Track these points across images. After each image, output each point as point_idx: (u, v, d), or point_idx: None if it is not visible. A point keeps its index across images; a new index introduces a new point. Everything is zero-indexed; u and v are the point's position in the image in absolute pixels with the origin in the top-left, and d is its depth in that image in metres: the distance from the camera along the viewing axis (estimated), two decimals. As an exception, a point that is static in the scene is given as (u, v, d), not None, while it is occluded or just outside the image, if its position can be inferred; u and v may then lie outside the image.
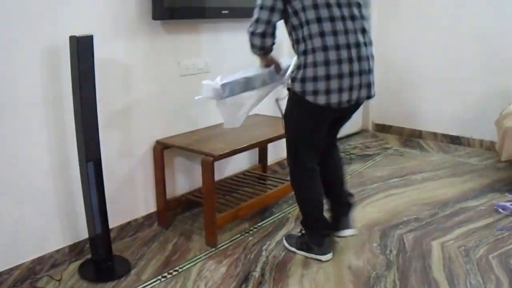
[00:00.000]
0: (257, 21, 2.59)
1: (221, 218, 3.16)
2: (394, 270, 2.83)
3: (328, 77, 2.49)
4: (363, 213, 3.58)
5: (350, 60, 2.52)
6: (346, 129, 5.22)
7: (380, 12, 5.73)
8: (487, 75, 5.02)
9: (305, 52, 2.53)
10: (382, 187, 4.15)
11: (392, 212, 3.60)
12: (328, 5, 2.49)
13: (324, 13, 2.48)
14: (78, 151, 2.67)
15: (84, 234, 2.91)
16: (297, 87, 2.56)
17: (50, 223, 2.85)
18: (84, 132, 2.57)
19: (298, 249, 3.03)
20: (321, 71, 2.49)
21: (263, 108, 4.05)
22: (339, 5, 2.51)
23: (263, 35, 2.60)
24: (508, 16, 4.81)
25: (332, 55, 2.48)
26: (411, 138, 5.72)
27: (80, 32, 2.49)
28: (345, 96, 2.56)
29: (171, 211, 3.50)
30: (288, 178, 4.09)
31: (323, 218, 2.98)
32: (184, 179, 3.61)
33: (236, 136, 3.36)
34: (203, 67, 3.58)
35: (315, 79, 2.50)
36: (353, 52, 2.54)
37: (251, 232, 3.34)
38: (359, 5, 2.59)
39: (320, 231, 2.96)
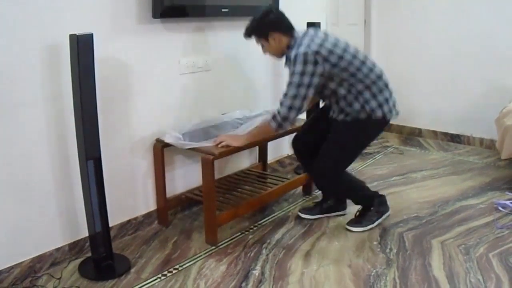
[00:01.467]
0: (294, 97, 2.90)
1: (221, 216, 3.15)
2: (394, 268, 2.83)
3: (387, 100, 3.08)
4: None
5: (386, 86, 3.11)
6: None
7: (380, 11, 5.73)
8: (487, 73, 5.02)
9: (367, 87, 3.01)
10: (382, 185, 4.15)
11: (392, 210, 3.58)
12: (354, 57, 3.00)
13: (357, 61, 2.99)
14: (78, 149, 2.67)
15: (84, 232, 2.91)
16: (378, 112, 3.05)
17: (50, 221, 2.85)
18: (84, 130, 2.57)
19: (373, 223, 3.34)
20: (385, 95, 3.08)
21: (264, 106, 4.06)
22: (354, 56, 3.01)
23: (299, 109, 2.94)
24: (508, 15, 4.81)
25: (382, 83, 3.09)
26: (411, 136, 5.72)
27: (80, 30, 2.49)
28: (394, 111, 3.15)
29: (171, 210, 3.50)
30: (289, 176, 4.10)
31: (367, 189, 3.43)
32: (184, 177, 3.61)
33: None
34: (203, 65, 3.57)
35: (386, 100, 3.08)
36: (385, 79, 3.13)
37: (251, 230, 3.34)
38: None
39: (378, 195, 3.43)
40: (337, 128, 3.14)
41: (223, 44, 3.73)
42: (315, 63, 2.85)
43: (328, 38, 2.98)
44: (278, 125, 2.98)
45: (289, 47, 3.03)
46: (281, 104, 2.93)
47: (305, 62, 2.84)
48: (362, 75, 2.97)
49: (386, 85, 3.08)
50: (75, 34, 2.44)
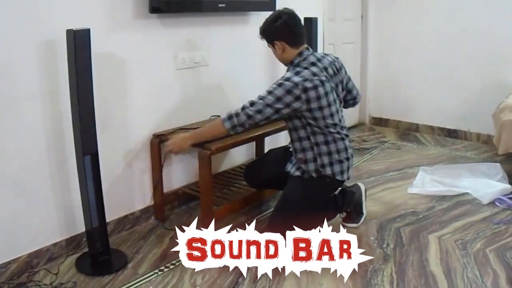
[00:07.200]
0: (258, 112, 2.82)
1: (218, 211, 3.16)
2: (391, 263, 2.83)
3: (347, 159, 3.04)
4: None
5: (346, 149, 3.04)
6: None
7: (377, 6, 5.72)
8: (484, 69, 5.03)
9: (326, 143, 2.95)
10: (379, 180, 4.15)
11: (389, 206, 3.60)
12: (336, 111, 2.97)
13: (333, 109, 2.93)
14: (75, 144, 2.66)
15: (81, 227, 2.91)
16: (328, 170, 2.99)
17: (47, 216, 2.84)
18: (81, 125, 2.57)
19: (361, 214, 3.35)
20: (341, 156, 2.99)
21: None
22: (332, 115, 2.95)
23: (254, 124, 2.89)
24: (505, 10, 4.81)
25: (342, 144, 3.00)
26: (408, 131, 5.72)
27: (77, 25, 2.48)
28: (349, 173, 3.10)
29: (168, 205, 3.50)
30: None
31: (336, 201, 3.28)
32: (181, 173, 3.61)
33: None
34: (200, 60, 3.57)
35: (340, 162, 2.99)
36: (347, 142, 3.07)
37: (248, 225, 3.33)
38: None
39: (336, 202, 3.27)
40: (292, 185, 3.10)
41: (220, 39, 3.72)
42: (297, 98, 2.77)
43: (325, 83, 2.85)
44: (232, 127, 2.87)
45: (292, 62, 2.97)
46: (243, 108, 2.85)
47: (288, 92, 2.77)
48: (327, 131, 2.92)
49: (346, 148, 3.01)
50: (72, 29, 2.44)
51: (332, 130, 2.93)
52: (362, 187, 3.39)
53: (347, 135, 3.07)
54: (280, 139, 4.43)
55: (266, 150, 4.19)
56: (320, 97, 2.82)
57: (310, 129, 2.93)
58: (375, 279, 2.67)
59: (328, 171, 2.99)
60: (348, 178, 3.11)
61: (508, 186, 3.74)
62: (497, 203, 3.58)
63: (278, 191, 3.67)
